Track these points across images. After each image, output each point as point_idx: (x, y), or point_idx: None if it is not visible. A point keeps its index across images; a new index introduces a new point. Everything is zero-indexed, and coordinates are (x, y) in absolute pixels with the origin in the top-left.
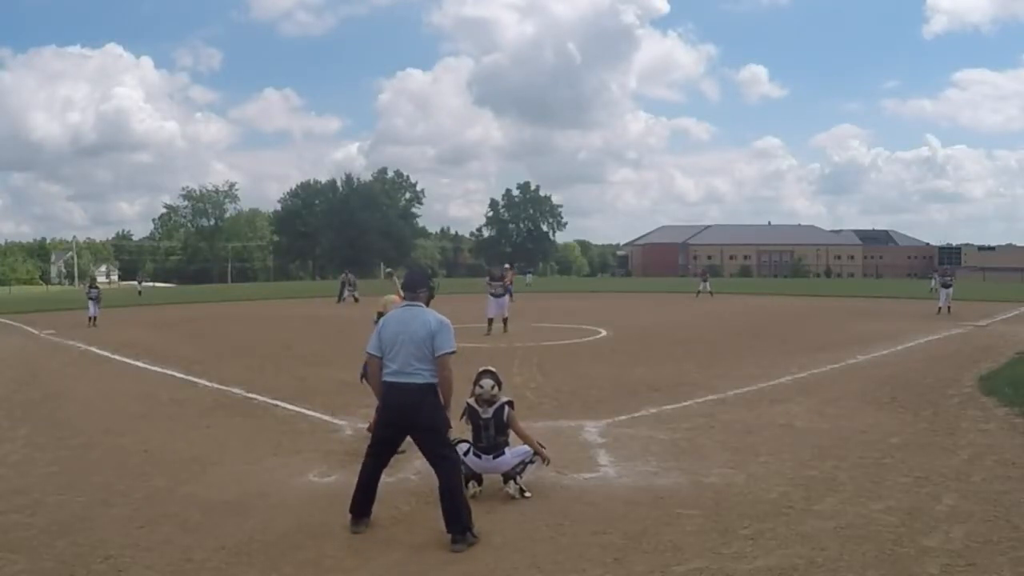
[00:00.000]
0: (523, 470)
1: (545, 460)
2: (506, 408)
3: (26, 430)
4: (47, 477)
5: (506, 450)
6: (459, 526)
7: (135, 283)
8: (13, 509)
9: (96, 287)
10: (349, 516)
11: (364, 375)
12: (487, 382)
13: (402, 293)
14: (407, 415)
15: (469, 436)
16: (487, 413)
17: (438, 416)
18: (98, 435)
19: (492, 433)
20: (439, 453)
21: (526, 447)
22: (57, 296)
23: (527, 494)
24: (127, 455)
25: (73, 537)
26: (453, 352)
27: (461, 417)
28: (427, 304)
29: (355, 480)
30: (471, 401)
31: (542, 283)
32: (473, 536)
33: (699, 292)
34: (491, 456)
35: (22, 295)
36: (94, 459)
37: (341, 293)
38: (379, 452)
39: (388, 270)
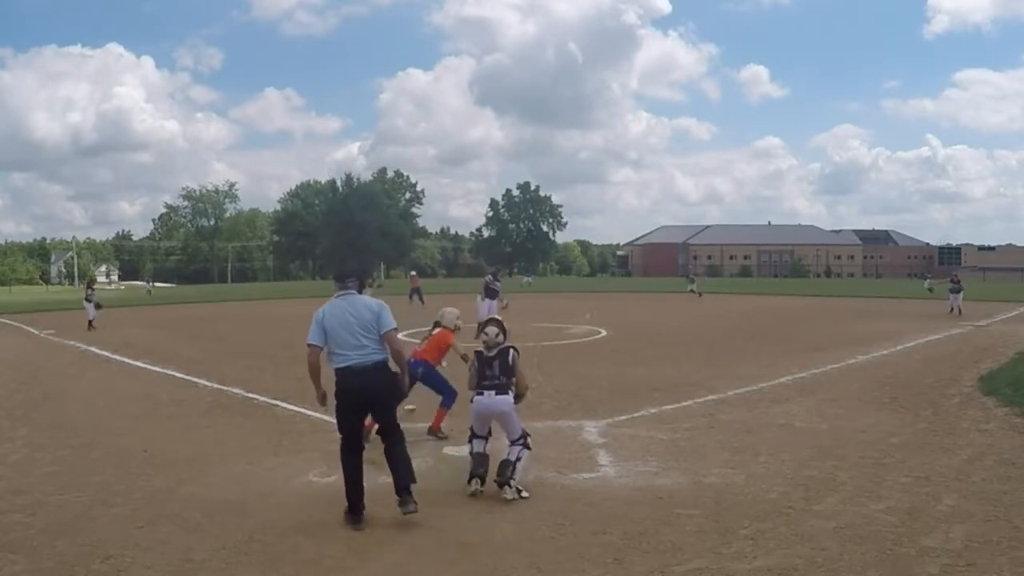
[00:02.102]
0: (513, 472)
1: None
2: (511, 351)
3: (26, 430)
4: (47, 477)
5: (509, 390)
6: (405, 483)
7: (144, 283)
8: (13, 509)
9: (92, 288)
10: (348, 515)
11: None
12: (492, 329)
13: (334, 285)
14: (367, 394)
15: (472, 380)
16: (491, 353)
17: (393, 391)
18: (98, 435)
19: (496, 372)
20: (391, 423)
21: (518, 447)
22: (57, 296)
23: (524, 494)
24: (127, 455)
25: (73, 537)
26: (396, 328)
27: (470, 367)
28: (359, 292)
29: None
30: (479, 347)
31: (542, 283)
32: (415, 502)
33: (691, 291)
34: (494, 393)
35: (22, 295)
36: (94, 459)
37: None
38: (353, 441)
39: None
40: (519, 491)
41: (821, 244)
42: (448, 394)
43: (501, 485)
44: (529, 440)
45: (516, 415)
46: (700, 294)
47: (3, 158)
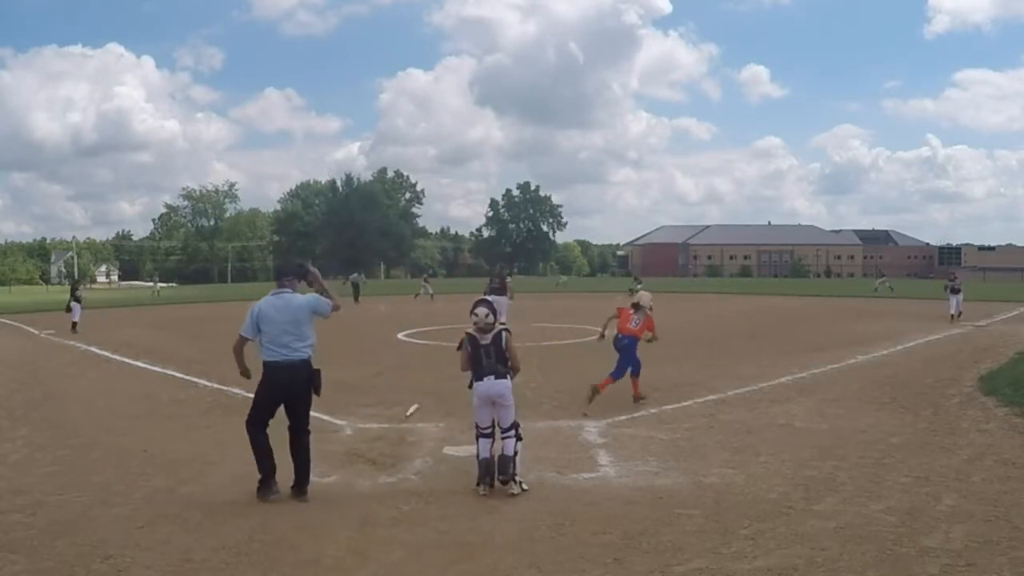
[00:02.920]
0: (515, 468)
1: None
2: (504, 334)
3: (26, 430)
4: (47, 477)
5: (508, 376)
6: (306, 482)
7: (151, 284)
8: (13, 509)
9: (78, 289)
10: (259, 487)
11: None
12: (482, 310)
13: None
14: (292, 389)
15: (464, 363)
16: (486, 339)
17: (312, 387)
18: (98, 435)
19: (493, 360)
20: (304, 424)
21: (511, 439)
22: (57, 296)
23: (525, 486)
24: (127, 455)
25: (73, 537)
26: (331, 303)
27: (458, 348)
28: (294, 290)
29: (355, 480)
30: (471, 330)
31: (543, 283)
32: (307, 493)
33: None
34: (493, 378)
35: (22, 295)
36: (94, 459)
37: (356, 295)
38: (263, 420)
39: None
40: (521, 484)
41: (821, 244)
42: (637, 367)
43: (505, 482)
44: (520, 431)
45: (512, 400)
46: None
47: (3, 158)
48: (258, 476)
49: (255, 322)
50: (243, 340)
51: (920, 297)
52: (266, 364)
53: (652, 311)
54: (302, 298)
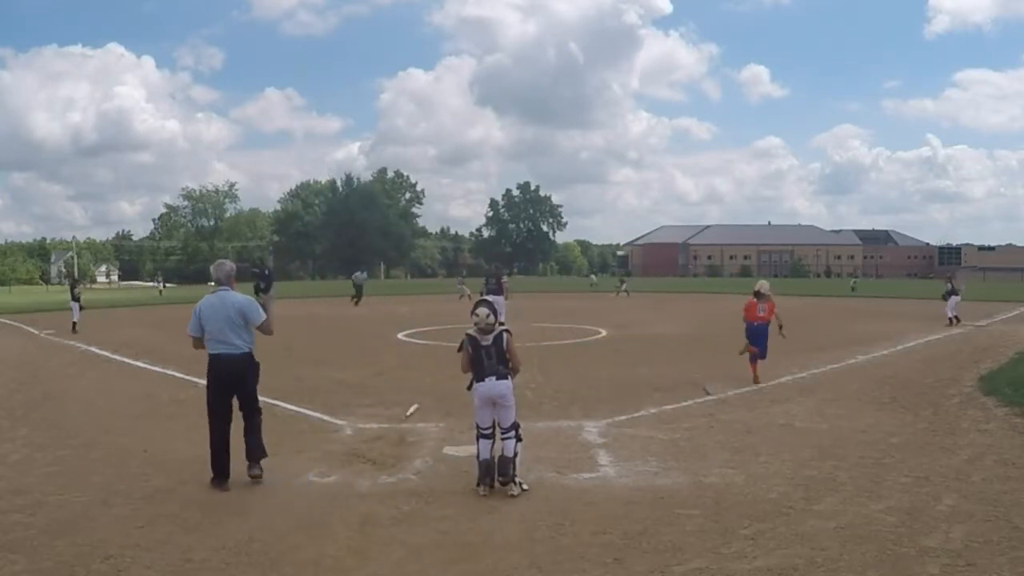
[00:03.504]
0: (515, 469)
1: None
2: (504, 335)
3: (26, 430)
4: (47, 477)
5: (508, 376)
6: (257, 456)
7: (155, 283)
8: (13, 509)
9: (77, 288)
10: (212, 478)
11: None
12: (482, 311)
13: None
14: (234, 381)
15: (465, 365)
16: (487, 340)
17: (254, 378)
18: (98, 435)
19: (494, 361)
20: (253, 408)
21: (511, 440)
22: (57, 296)
23: (524, 487)
24: (127, 455)
25: (73, 537)
26: (264, 318)
27: (459, 350)
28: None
29: (355, 480)
30: (472, 331)
31: (543, 283)
32: (260, 469)
33: (624, 291)
34: (494, 378)
35: (22, 295)
36: (94, 459)
37: (359, 296)
38: (221, 415)
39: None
40: (521, 484)
41: (821, 244)
42: (765, 352)
43: (505, 483)
44: (520, 431)
45: (513, 401)
46: (628, 292)
47: (3, 158)
48: (211, 473)
49: (198, 320)
50: (194, 339)
51: (905, 297)
52: (209, 356)
53: (773, 297)
54: (240, 299)
